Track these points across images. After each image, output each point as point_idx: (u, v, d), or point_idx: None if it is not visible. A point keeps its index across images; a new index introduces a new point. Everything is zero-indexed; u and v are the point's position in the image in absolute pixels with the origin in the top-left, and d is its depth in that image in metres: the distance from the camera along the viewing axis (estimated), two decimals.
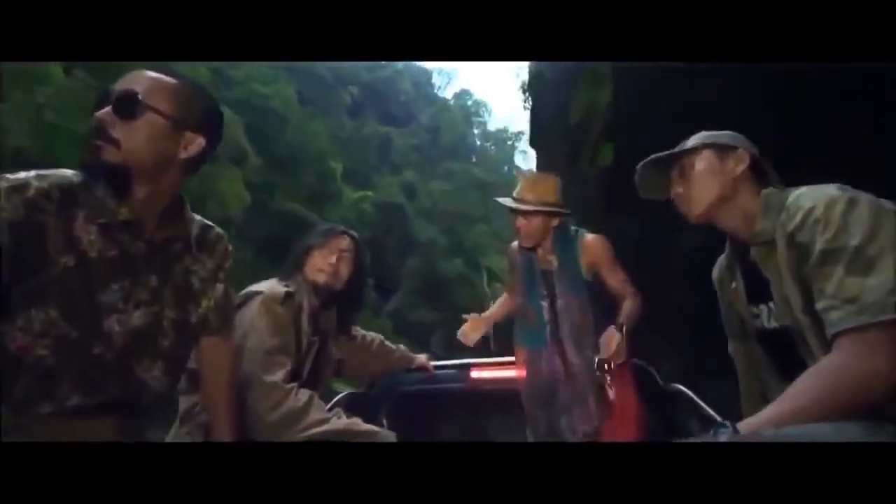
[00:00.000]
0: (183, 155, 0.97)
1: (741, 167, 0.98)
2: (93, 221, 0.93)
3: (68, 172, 0.95)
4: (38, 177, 0.91)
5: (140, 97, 0.91)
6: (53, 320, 0.89)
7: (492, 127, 36.25)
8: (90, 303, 0.93)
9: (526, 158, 34.63)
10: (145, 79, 0.94)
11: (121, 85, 0.92)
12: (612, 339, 1.55)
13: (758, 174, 1.01)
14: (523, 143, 35.30)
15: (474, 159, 31.67)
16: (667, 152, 1.06)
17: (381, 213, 20.06)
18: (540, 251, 1.77)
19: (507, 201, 1.74)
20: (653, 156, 1.07)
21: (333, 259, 1.51)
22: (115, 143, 0.90)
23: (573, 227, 1.79)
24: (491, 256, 22.57)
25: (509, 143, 35.40)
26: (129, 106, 0.91)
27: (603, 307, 1.74)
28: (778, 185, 0.99)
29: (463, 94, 35.85)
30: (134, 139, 0.91)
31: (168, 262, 1.02)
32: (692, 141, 1.05)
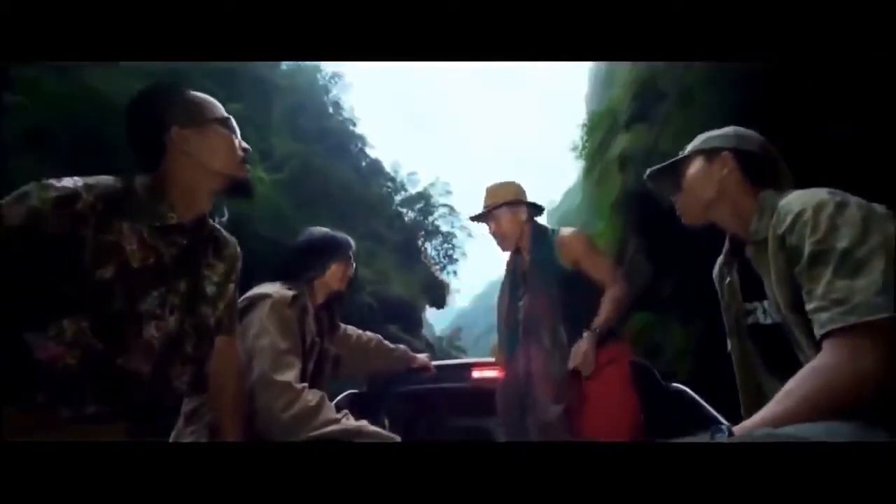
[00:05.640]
0: None
1: (725, 170, 1.03)
2: (146, 227, 0.97)
3: (112, 180, 0.97)
4: (86, 187, 0.92)
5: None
6: (85, 331, 0.90)
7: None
8: (129, 312, 0.94)
9: (345, 111, 29.31)
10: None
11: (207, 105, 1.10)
12: (580, 348, 1.64)
13: (753, 173, 1.02)
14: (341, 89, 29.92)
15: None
16: (663, 164, 1.13)
17: None
18: (524, 253, 1.84)
19: (476, 216, 1.88)
20: (653, 168, 1.14)
21: (352, 271, 1.65)
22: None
23: (551, 228, 1.84)
24: (273, 191, 15.97)
25: (332, 92, 29.57)
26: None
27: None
28: (787, 181, 1.01)
29: None
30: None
31: (195, 265, 1.07)
32: (689, 147, 1.10)
